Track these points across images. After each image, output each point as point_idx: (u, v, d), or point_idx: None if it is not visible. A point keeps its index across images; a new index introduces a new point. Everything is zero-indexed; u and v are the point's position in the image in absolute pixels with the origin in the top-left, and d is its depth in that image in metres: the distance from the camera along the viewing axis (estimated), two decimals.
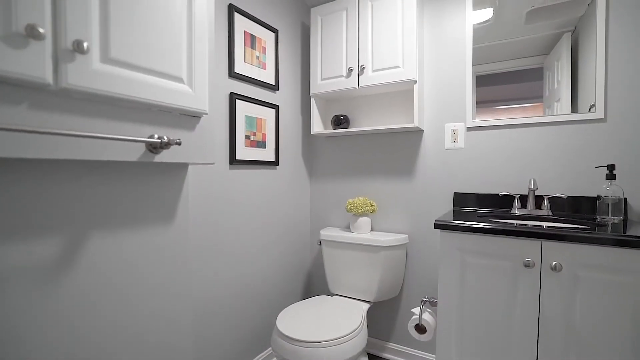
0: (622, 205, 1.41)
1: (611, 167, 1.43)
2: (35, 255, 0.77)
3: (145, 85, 0.82)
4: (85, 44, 0.67)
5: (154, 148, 0.88)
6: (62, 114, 0.69)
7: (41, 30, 0.62)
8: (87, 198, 0.87)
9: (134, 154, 0.84)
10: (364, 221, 2.04)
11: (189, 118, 1.00)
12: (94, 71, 0.71)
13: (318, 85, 2.11)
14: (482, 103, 1.82)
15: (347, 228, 2.22)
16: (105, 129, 0.77)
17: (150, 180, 1.03)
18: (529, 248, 1.24)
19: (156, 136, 0.88)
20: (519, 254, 1.26)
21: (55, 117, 0.68)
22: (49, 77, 0.64)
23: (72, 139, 0.71)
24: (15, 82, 0.62)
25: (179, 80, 0.92)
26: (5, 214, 0.72)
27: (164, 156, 0.92)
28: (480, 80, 1.82)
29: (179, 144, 0.89)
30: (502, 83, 1.77)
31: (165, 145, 0.87)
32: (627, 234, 1.11)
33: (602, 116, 1.55)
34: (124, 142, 0.81)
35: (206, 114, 1.02)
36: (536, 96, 1.69)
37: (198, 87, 0.98)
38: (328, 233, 2.08)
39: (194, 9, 0.96)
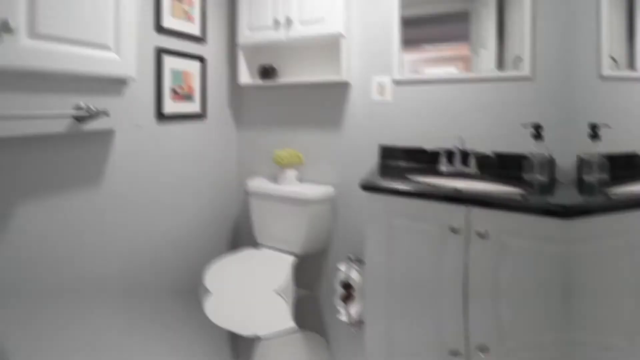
0: (549, 165, 1.41)
1: (537, 126, 1.42)
2: None
3: (72, 57, 0.84)
4: (11, 23, 0.68)
5: (81, 118, 0.91)
6: None
7: None
8: (14, 169, 0.89)
9: (61, 125, 0.87)
10: (291, 173, 2.15)
11: (117, 83, 1.03)
12: (21, 48, 0.73)
13: (245, 36, 2.08)
14: (409, 42, 1.85)
15: (276, 179, 2.32)
16: (33, 102, 0.80)
17: (78, 146, 1.05)
18: (456, 213, 1.18)
19: (83, 105, 0.91)
20: (445, 218, 1.20)
21: None
22: None
23: None
24: None
25: (106, 48, 0.94)
26: None
27: (91, 125, 0.95)
28: (407, 23, 1.84)
29: (107, 114, 0.93)
30: (429, 25, 1.81)
31: (94, 115, 0.91)
32: (554, 201, 1.10)
33: (529, 74, 1.52)
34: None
35: (133, 79, 1.05)
36: (462, 38, 1.73)
37: (125, 53, 1.00)
38: (255, 184, 2.15)
39: None
